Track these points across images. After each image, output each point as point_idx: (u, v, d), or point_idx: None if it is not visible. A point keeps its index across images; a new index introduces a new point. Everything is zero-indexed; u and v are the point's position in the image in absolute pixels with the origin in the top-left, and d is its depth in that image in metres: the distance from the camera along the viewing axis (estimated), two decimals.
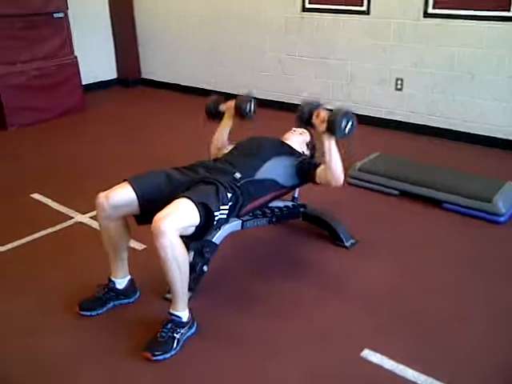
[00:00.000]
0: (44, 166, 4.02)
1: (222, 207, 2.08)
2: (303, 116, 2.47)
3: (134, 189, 2.11)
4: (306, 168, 2.50)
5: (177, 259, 1.92)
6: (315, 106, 2.46)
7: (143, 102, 5.98)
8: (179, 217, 1.92)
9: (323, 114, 2.33)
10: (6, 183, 3.71)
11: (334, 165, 2.32)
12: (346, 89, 4.87)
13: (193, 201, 1.96)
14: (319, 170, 2.44)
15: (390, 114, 4.68)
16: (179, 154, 3.47)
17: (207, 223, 2.02)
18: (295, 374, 1.97)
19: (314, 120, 2.38)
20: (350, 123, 2.31)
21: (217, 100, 2.77)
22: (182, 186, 2.15)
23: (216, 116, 2.77)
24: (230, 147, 2.67)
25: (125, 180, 2.17)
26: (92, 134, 4.86)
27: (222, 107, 2.73)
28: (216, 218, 2.05)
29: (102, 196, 2.11)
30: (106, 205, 2.09)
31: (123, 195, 2.11)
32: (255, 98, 2.67)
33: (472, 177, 3.35)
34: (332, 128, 2.28)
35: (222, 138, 2.74)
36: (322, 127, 2.31)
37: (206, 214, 2.00)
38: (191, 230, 2.00)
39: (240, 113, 2.62)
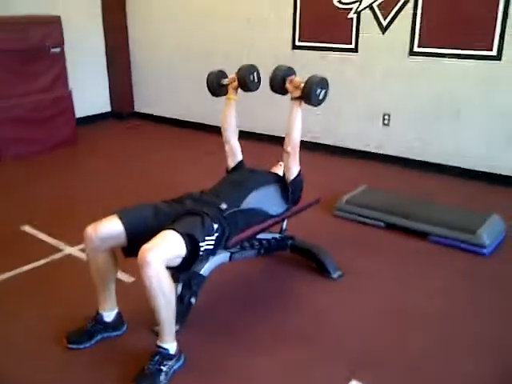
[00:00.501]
0: (36, 198, 4.05)
1: (207, 238, 2.12)
2: (276, 81, 2.57)
3: (121, 221, 2.15)
4: (284, 181, 2.61)
5: (162, 290, 1.94)
6: (288, 73, 2.56)
7: (136, 135, 6.07)
8: (165, 248, 1.95)
9: (297, 80, 2.48)
10: None
11: (296, 130, 2.51)
12: (333, 123, 4.99)
13: (178, 232, 2.00)
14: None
15: (377, 148, 4.78)
16: (170, 186, 3.52)
17: (193, 254, 2.05)
18: None
19: (288, 85, 2.52)
20: (324, 91, 2.45)
21: (218, 74, 2.77)
22: (168, 219, 2.19)
23: (219, 90, 2.77)
24: (236, 145, 2.76)
25: (114, 213, 2.21)
26: (84, 167, 4.92)
27: (225, 80, 2.75)
28: (202, 249, 2.08)
29: (90, 228, 2.14)
30: (94, 236, 2.12)
31: (111, 227, 2.14)
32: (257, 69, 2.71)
33: (458, 209, 3.43)
34: (307, 95, 2.41)
35: (228, 115, 2.74)
36: (296, 93, 2.47)
37: (192, 244, 2.03)
38: (178, 261, 2.03)
39: (244, 83, 2.61)
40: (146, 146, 5.52)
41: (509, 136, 4.11)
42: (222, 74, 2.78)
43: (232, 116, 2.75)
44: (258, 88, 2.74)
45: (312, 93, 2.42)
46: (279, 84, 2.59)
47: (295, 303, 2.65)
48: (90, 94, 6.18)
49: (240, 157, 2.78)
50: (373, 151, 4.80)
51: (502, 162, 4.19)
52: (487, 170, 4.25)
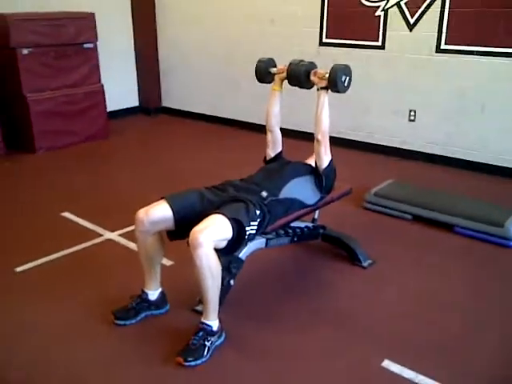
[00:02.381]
0: (72, 187, 4.21)
1: (251, 223, 2.24)
2: (301, 76, 2.70)
3: (170, 206, 2.28)
4: (317, 171, 2.71)
5: (211, 269, 2.08)
6: (311, 66, 2.72)
7: (164, 129, 6.23)
8: (215, 230, 2.08)
9: (321, 71, 2.63)
10: (37, 203, 3.90)
11: (324, 117, 2.64)
12: (360, 119, 5.08)
13: (226, 216, 2.13)
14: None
15: (403, 143, 4.87)
16: (200, 177, 3.63)
17: (239, 237, 2.19)
18: (318, 382, 2.09)
19: (313, 78, 2.67)
20: (348, 77, 2.61)
21: (268, 62, 2.86)
22: (213, 204, 2.32)
23: (265, 77, 2.85)
24: (278, 134, 2.84)
25: (162, 198, 2.35)
26: (118, 158, 5.08)
27: (273, 70, 2.84)
28: (247, 233, 2.22)
29: (141, 212, 2.28)
30: (146, 220, 2.26)
31: (161, 212, 2.27)
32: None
33: (484, 203, 3.51)
34: (334, 83, 2.56)
35: (272, 106, 2.82)
36: (322, 83, 2.62)
37: (238, 228, 2.16)
38: (223, 244, 2.16)
39: (334, 82, 2.59)
40: (174, 140, 5.68)
41: None
42: (271, 63, 2.87)
43: (276, 106, 2.82)
44: (344, 92, 2.73)
45: (338, 80, 2.56)
46: (304, 78, 2.72)
47: (328, 288, 2.77)
48: (118, 89, 6.32)
49: (280, 148, 2.87)
50: (399, 146, 4.89)
51: None
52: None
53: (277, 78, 2.81)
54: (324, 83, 2.62)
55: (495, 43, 4.16)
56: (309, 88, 2.79)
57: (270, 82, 2.87)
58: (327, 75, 2.60)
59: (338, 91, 2.60)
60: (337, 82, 2.55)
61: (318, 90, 2.67)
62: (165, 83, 6.69)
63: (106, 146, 5.41)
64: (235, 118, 6.05)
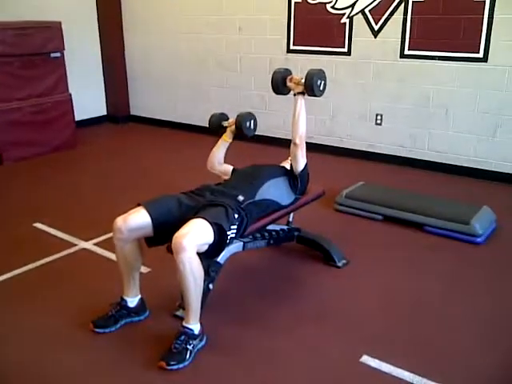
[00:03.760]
0: (42, 197, 4.16)
1: (231, 227, 2.28)
2: (278, 82, 2.82)
3: (148, 212, 2.29)
4: (291, 173, 2.78)
5: (194, 273, 2.10)
6: (286, 73, 2.83)
7: (133, 137, 6.22)
8: (197, 234, 2.11)
9: (297, 77, 2.74)
10: (7, 214, 3.84)
11: (301, 121, 2.71)
12: (328, 124, 5.19)
13: (208, 221, 2.17)
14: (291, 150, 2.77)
15: (371, 146, 5.00)
16: (170, 185, 3.68)
17: (220, 241, 2.22)
18: (299, 380, 2.14)
19: (289, 84, 2.77)
20: (323, 81, 2.72)
21: (220, 116, 2.97)
22: (191, 210, 2.34)
23: (218, 130, 2.96)
24: (225, 167, 2.91)
25: (138, 204, 2.36)
26: (85, 167, 5.04)
27: (225, 123, 2.94)
28: (228, 237, 2.25)
29: (119, 219, 2.28)
30: (124, 228, 2.26)
31: (139, 219, 2.28)
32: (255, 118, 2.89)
33: (451, 202, 3.64)
34: (310, 87, 2.66)
35: (218, 152, 2.93)
36: (298, 88, 2.72)
37: (220, 232, 2.20)
38: (205, 248, 2.19)
39: (240, 129, 2.81)
40: (143, 148, 5.67)
41: (493, 134, 4.35)
42: (223, 117, 2.97)
43: (222, 153, 2.93)
44: (252, 135, 2.90)
45: (314, 85, 2.66)
46: (281, 84, 2.81)
47: (304, 288, 2.82)
48: (86, 98, 6.28)
49: (230, 167, 2.92)
50: (367, 150, 5.02)
51: (488, 159, 4.43)
52: (474, 166, 4.49)
53: (228, 130, 2.91)
54: (300, 88, 2.70)
55: (455, 48, 4.33)
56: (285, 94, 2.87)
57: (223, 134, 2.95)
58: (303, 80, 2.69)
59: (314, 95, 2.69)
60: (313, 86, 2.64)
61: (294, 95, 2.74)
62: (133, 91, 6.68)
63: (75, 156, 5.36)
64: (204, 125, 6.05)
